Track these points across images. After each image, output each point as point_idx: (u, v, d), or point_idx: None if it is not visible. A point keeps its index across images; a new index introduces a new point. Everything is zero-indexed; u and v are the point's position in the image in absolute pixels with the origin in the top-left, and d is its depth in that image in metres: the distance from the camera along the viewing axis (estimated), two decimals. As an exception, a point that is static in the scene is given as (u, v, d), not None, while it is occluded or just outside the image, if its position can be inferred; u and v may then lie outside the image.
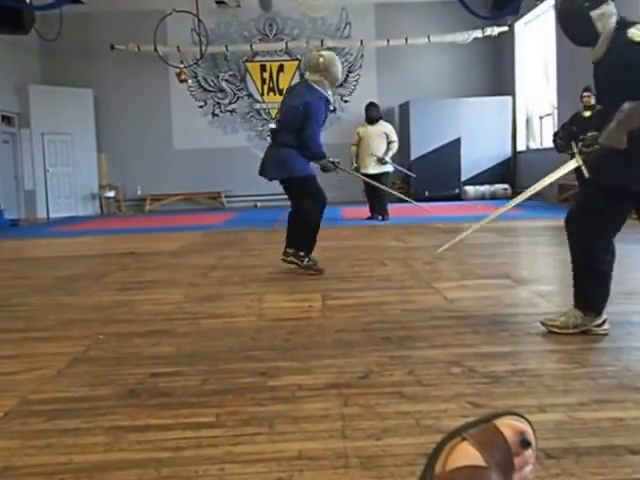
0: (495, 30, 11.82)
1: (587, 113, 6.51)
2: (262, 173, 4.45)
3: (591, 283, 2.55)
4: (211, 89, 13.11)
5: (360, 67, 13.02)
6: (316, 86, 4.25)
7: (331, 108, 4.39)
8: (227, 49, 12.45)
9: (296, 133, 4.17)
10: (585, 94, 6.52)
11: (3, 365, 2.41)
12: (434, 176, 11.66)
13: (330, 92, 4.34)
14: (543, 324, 2.60)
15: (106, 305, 3.50)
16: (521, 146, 12.27)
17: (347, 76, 13.13)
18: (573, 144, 4.38)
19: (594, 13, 2.50)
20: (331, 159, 4.44)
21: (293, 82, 13.15)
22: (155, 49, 11.05)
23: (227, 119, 13.09)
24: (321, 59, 4.30)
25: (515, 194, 11.87)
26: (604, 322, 2.53)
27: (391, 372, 2.13)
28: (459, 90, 12.62)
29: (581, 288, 2.56)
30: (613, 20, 2.47)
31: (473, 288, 3.59)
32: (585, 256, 2.57)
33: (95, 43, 12.41)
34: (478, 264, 4.50)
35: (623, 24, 2.46)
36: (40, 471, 1.51)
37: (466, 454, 0.67)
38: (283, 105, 4.41)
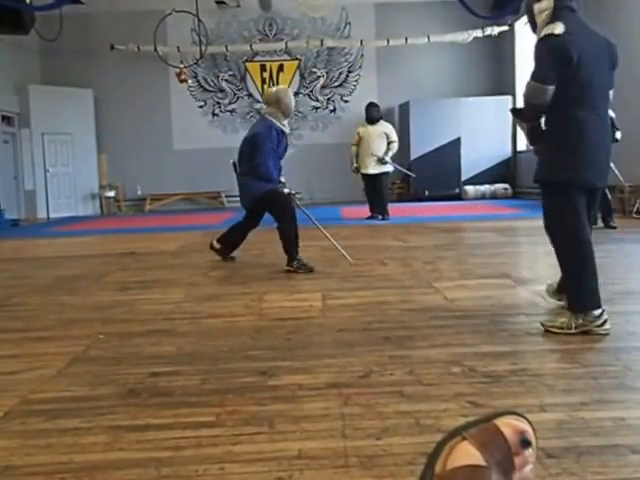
0: (495, 30, 11.82)
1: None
2: (241, 203, 4.88)
3: (584, 279, 2.52)
4: (211, 89, 13.11)
5: (360, 67, 13.02)
6: (269, 117, 4.63)
7: (286, 136, 4.70)
8: (227, 49, 12.45)
9: (248, 162, 4.55)
10: None
11: (3, 365, 2.41)
12: (434, 176, 11.66)
13: (285, 122, 4.68)
14: (542, 325, 2.58)
15: (106, 305, 3.50)
16: (521, 146, 12.27)
17: (347, 76, 13.13)
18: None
19: (536, 6, 2.62)
20: (286, 189, 4.65)
21: (293, 82, 13.17)
22: (155, 49, 11.05)
23: (227, 119, 13.09)
24: (273, 92, 4.73)
25: (515, 194, 11.91)
26: (605, 322, 2.51)
27: (391, 372, 2.13)
28: (459, 90, 12.62)
29: (576, 289, 2.54)
30: (546, 14, 2.56)
31: (473, 288, 3.59)
32: (572, 254, 2.54)
33: (95, 43, 12.41)
34: (478, 264, 4.50)
35: (555, 18, 2.54)
36: (40, 470, 1.50)
37: (466, 453, 0.67)
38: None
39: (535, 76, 2.46)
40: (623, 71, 9.22)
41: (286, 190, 4.61)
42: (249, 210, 4.84)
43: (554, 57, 2.42)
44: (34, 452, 1.61)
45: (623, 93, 7.84)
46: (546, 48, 2.46)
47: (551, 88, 2.43)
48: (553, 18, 2.54)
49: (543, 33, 2.51)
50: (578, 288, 2.53)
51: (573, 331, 2.47)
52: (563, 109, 2.50)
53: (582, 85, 2.48)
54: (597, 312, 2.49)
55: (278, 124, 4.60)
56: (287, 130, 4.71)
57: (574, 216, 2.53)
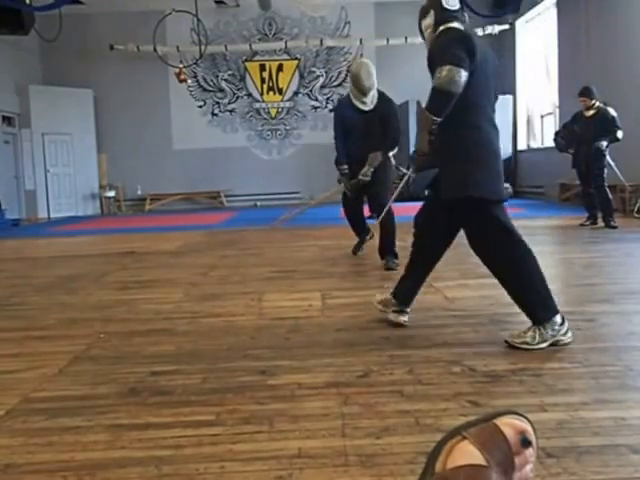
0: (496, 28, 11.82)
1: (588, 112, 6.49)
2: None
3: (539, 287, 2.44)
4: (210, 89, 13.11)
5: (360, 66, 13.01)
6: (349, 94, 4.60)
7: (362, 110, 4.50)
8: (226, 49, 12.45)
9: None
10: (580, 99, 6.47)
11: (5, 364, 2.41)
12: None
13: (364, 99, 4.46)
14: (507, 342, 2.37)
15: (106, 304, 3.50)
16: (522, 145, 12.27)
17: (347, 75, 13.12)
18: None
19: (423, 23, 2.61)
20: (344, 169, 4.63)
21: (292, 82, 13.16)
22: (154, 49, 11.05)
23: (227, 119, 13.09)
24: (350, 70, 4.69)
25: (516, 193, 11.91)
26: (568, 330, 2.40)
27: (391, 371, 2.13)
28: (459, 89, 12.61)
29: (534, 299, 2.42)
30: (431, 29, 2.54)
31: (473, 287, 3.59)
32: (522, 265, 2.48)
33: (95, 43, 12.41)
34: (478, 263, 4.48)
35: (446, 21, 2.48)
36: (42, 469, 1.51)
37: (466, 453, 0.67)
38: None
39: (447, 59, 2.28)
40: (623, 71, 9.23)
41: (344, 169, 4.59)
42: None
43: (460, 43, 2.32)
44: (35, 450, 1.61)
45: (623, 93, 7.86)
46: (451, 36, 2.36)
47: (465, 74, 2.28)
48: (444, 21, 2.46)
49: (441, 28, 2.43)
50: (538, 298, 2.41)
51: (543, 345, 2.32)
52: (466, 115, 2.40)
53: (478, 90, 2.40)
54: (558, 319, 2.38)
55: (349, 99, 4.54)
56: (363, 107, 4.46)
57: (509, 229, 2.50)
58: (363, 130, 4.49)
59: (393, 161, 4.67)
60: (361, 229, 5.03)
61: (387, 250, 4.45)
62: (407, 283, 2.80)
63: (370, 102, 4.43)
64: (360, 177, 4.52)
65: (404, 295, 2.77)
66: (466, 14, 2.60)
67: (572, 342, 2.39)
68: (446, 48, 2.32)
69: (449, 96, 2.29)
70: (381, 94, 4.50)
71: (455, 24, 2.42)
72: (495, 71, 2.53)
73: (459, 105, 2.34)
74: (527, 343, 2.34)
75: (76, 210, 12.50)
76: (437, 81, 2.31)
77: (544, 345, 2.32)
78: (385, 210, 4.19)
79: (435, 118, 2.34)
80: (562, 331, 2.37)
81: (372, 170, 4.49)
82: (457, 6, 2.50)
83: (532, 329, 2.37)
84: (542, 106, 11.44)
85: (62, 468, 1.50)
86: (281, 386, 2.02)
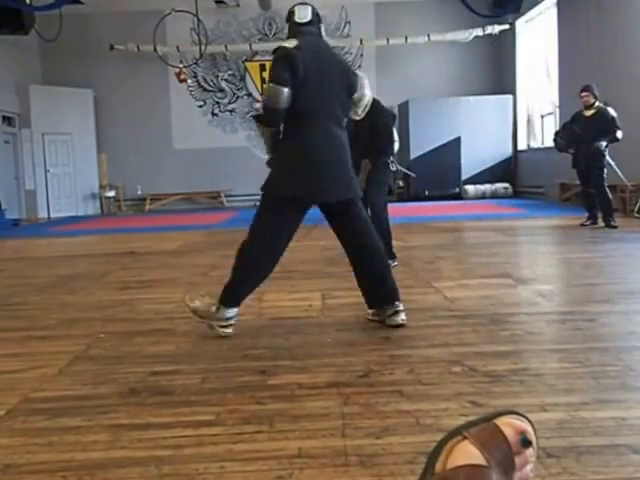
0: (496, 28, 11.82)
1: (588, 112, 6.50)
2: None
3: (247, 282, 2.70)
4: (210, 89, 13.11)
5: (360, 66, 13.01)
6: None
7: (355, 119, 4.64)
8: (226, 49, 12.45)
9: None
10: (583, 94, 6.50)
11: (5, 363, 2.41)
12: (434, 175, 11.66)
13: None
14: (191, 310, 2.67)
15: (107, 304, 3.51)
16: (522, 145, 12.27)
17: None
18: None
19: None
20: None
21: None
22: (155, 49, 11.05)
23: (227, 119, 13.09)
24: None
25: (516, 193, 11.91)
26: (230, 325, 2.64)
27: (391, 371, 2.13)
28: (459, 89, 12.61)
29: (236, 286, 2.66)
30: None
31: (473, 287, 3.59)
32: (251, 258, 2.71)
33: (95, 43, 12.41)
34: (479, 263, 4.50)
35: (290, 37, 2.80)
36: (42, 469, 1.51)
37: (467, 453, 0.67)
38: None
39: (271, 79, 2.62)
40: (624, 71, 9.24)
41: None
42: None
43: (283, 62, 2.60)
44: (36, 450, 1.61)
45: (623, 93, 7.85)
46: (277, 56, 2.65)
47: (286, 90, 2.56)
48: (293, 35, 2.78)
49: (275, 46, 2.75)
50: (239, 286, 2.67)
51: (198, 319, 2.67)
52: (292, 122, 2.65)
53: (307, 101, 2.62)
54: (232, 312, 2.65)
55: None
56: (355, 116, 4.58)
57: (283, 225, 2.66)
58: (354, 139, 4.63)
59: (393, 166, 4.62)
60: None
61: None
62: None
63: (362, 112, 4.53)
64: None
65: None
66: (322, 25, 2.84)
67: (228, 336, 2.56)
68: (273, 66, 2.64)
69: (273, 110, 2.60)
70: (374, 103, 4.51)
71: (292, 42, 2.67)
72: (342, 83, 2.74)
73: (289, 115, 2.63)
74: (193, 309, 2.68)
75: (76, 210, 12.50)
76: (264, 97, 2.67)
77: (198, 319, 2.67)
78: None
79: (265, 130, 2.70)
80: (222, 323, 2.64)
81: (364, 178, 4.51)
82: (307, 18, 2.78)
83: (209, 302, 2.67)
84: (542, 106, 11.44)
85: (62, 468, 1.50)
86: (281, 386, 2.02)
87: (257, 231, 2.69)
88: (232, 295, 2.67)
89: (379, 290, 2.76)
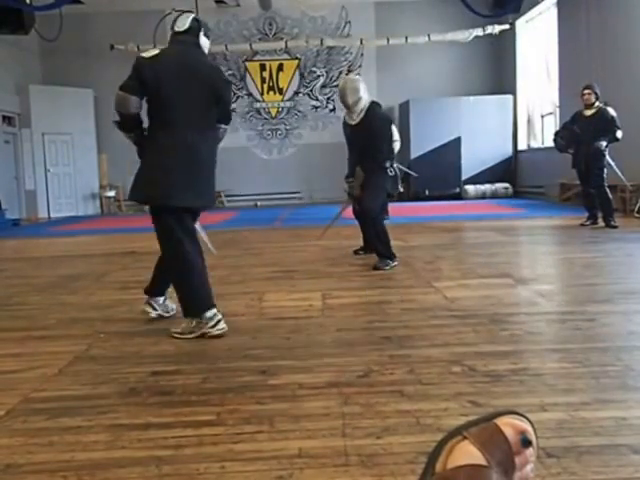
0: (496, 28, 11.81)
1: (588, 112, 6.50)
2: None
3: (192, 287, 2.72)
4: (211, 88, 13.11)
5: (360, 66, 13.01)
6: None
7: (352, 125, 4.60)
8: (227, 48, 12.44)
9: None
10: (585, 92, 6.51)
11: (5, 363, 2.42)
12: (434, 175, 11.65)
13: (347, 115, 4.64)
14: (171, 334, 2.70)
15: (107, 304, 3.51)
16: (522, 145, 12.26)
17: (347, 75, 13.12)
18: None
19: None
20: (348, 180, 4.78)
21: (293, 81, 13.15)
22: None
23: (227, 118, 13.09)
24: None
25: (516, 193, 11.91)
26: (219, 322, 2.68)
27: (391, 371, 2.13)
28: (460, 89, 12.61)
29: (187, 296, 2.72)
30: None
31: (474, 287, 3.59)
32: (178, 266, 2.75)
33: (95, 43, 12.41)
34: (479, 263, 4.50)
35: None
36: (42, 469, 1.51)
37: (467, 453, 0.67)
38: None
39: (120, 86, 2.69)
40: (624, 71, 9.22)
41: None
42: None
43: (134, 71, 2.70)
44: (36, 450, 1.61)
45: (624, 93, 7.85)
46: (133, 65, 2.75)
47: (133, 98, 2.66)
48: (169, 43, 2.92)
49: None
50: (189, 295, 2.72)
51: (191, 336, 2.67)
52: (150, 130, 2.77)
53: (163, 110, 2.72)
54: (210, 314, 2.68)
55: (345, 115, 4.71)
56: (351, 121, 4.57)
57: (170, 232, 2.73)
58: (352, 144, 4.68)
59: (392, 171, 4.54)
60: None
61: (375, 252, 4.50)
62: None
63: (357, 116, 4.50)
64: (347, 191, 4.72)
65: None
66: (202, 34, 2.90)
67: (223, 335, 2.64)
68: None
69: (122, 116, 2.72)
70: (369, 108, 4.48)
71: (152, 52, 2.76)
72: (205, 88, 2.77)
73: (149, 123, 2.77)
74: (179, 333, 2.70)
75: (76, 210, 12.50)
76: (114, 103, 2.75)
77: (191, 336, 2.67)
78: (335, 216, 4.38)
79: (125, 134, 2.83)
80: (211, 323, 2.67)
81: (358, 184, 4.51)
82: (184, 27, 2.87)
83: (185, 321, 2.72)
84: (542, 106, 11.43)
85: (62, 468, 1.50)
86: (282, 386, 2.02)
87: (160, 244, 2.81)
88: (193, 304, 2.72)
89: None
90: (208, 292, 2.74)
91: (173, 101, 2.71)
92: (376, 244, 4.46)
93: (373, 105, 4.52)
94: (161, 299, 3.04)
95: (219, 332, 2.67)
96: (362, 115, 4.47)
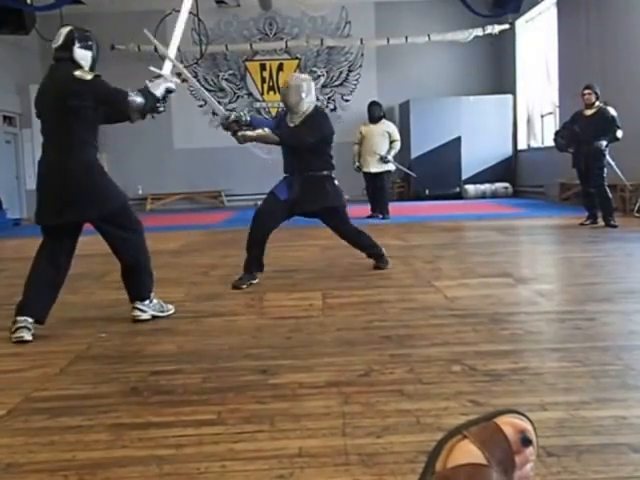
0: (496, 28, 11.81)
1: (588, 112, 6.50)
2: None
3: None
4: (211, 88, 13.10)
5: (360, 66, 13.01)
6: None
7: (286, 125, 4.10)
8: (227, 48, 12.44)
9: None
10: (585, 92, 6.51)
11: (6, 363, 2.42)
12: (434, 175, 11.65)
13: (287, 115, 4.14)
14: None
15: (107, 304, 3.51)
16: (522, 145, 12.26)
17: (347, 75, 13.12)
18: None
19: None
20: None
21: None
22: (155, 49, 11.04)
23: (228, 118, 13.09)
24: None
25: (516, 193, 11.90)
26: (17, 330, 2.75)
27: (391, 370, 2.13)
28: (460, 88, 12.60)
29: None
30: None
31: (474, 287, 3.60)
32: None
33: (96, 42, 12.40)
34: (479, 263, 4.51)
35: None
36: (43, 468, 1.51)
37: (467, 452, 0.67)
38: None
39: None
40: (624, 71, 9.22)
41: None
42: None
43: None
44: (37, 449, 1.61)
45: (623, 92, 7.85)
46: None
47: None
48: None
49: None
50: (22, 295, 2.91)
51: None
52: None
53: (42, 126, 2.88)
54: (19, 319, 2.79)
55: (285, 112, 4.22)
56: (289, 123, 4.08)
57: (40, 248, 2.95)
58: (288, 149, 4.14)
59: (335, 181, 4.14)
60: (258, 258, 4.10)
61: (367, 254, 4.33)
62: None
63: (298, 118, 4.01)
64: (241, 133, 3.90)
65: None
66: (77, 47, 2.88)
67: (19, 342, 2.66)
68: None
69: None
70: (311, 114, 4.00)
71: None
72: (59, 99, 2.80)
73: None
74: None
75: (77, 210, 12.49)
76: None
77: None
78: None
79: None
80: (13, 328, 2.78)
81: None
82: (58, 43, 2.89)
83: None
84: (542, 106, 11.43)
85: (63, 467, 1.51)
86: (282, 385, 2.03)
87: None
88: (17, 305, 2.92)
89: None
90: (29, 302, 2.87)
91: (42, 123, 2.88)
92: (364, 247, 4.29)
93: (317, 110, 4.09)
94: (146, 300, 3.04)
95: (15, 339, 2.72)
96: (302, 118, 3.99)
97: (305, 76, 4.42)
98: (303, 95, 4.00)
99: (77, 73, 2.82)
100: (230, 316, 3.10)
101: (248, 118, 3.97)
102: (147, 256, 3.08)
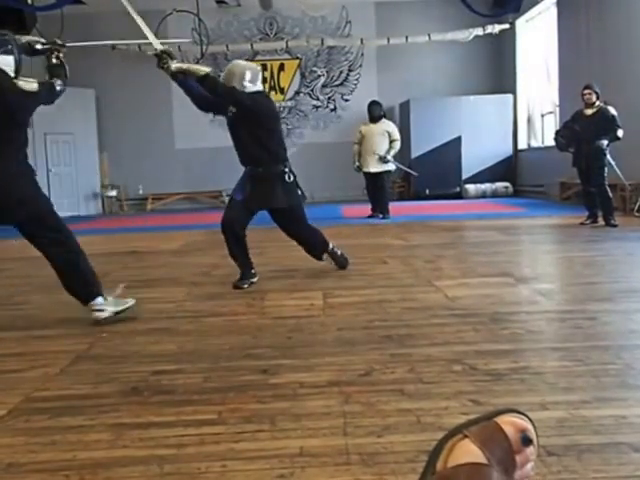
0: (496, 28, 11.80)
1: (589, 111, 6.50)
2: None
3: None
4: (212, 88, 13.11)
5: (360, 66, 13.01)
6: None
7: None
8: (228, 48, 12.44)
9: None
10: (586, 91, 6.51)
11: (7, 363, 2.42)
12: (435, 174, 11.65)
13: None
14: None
15: (108, 304, 3.50)
16: (522, 144, 12.25)
17: (348, 75, 13.12)
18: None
19: None
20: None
21: (294, 82, 13.15)
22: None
23: (228, 118, 13.10)
24: None
25: (516, 192, 11.90)
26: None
27: (392, 370, 2.13)
28: (460, 88, 12.60)
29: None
30: None
31: (474, 286, 3.60)
32: None
33: (96, 43, 12.40)
34: (479, 262, 4.51)
35: None
36: (44, 468, 1.51)
37: (467, 451, 0.67)
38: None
39: None
40: (624, 70, 9.22)
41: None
42: None
43: None
44: (38, 449, 1.61)
45: (624, 92, 7.85)
46: None
47: None
48: None
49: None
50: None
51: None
52: None
53: None
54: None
55: None
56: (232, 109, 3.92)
57: None
58: (233, 137, 4.10)
59: (290, 177, 4.01)
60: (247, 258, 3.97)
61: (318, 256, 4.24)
62: None
63: (227, 102, 3.86)
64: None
65: None
66: (12, 57, 2.86)
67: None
68: None
69: None
70: (252, 95, 3.82)
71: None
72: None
73: None
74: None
75: (78, 210, 12.50)
76: None
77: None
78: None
79: None
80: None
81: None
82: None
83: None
84: (542, 105, 11.43)
85: (64, 467, 1.51)
86: (283, 385, 2.03)
87: None
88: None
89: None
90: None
91: None
92: (314, 252, 4.19)
93: (257, 94, 3.84)
94: (99, 298, 3.02)
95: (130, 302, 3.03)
96: (232, 101, 3.80)
97: (245, 63, 4.11)
98: (235, 82, 3.79)
99: (19, 83, 2.86)
100: (231, 316, 3.10)
101: (183, 66, 3.86)
102: (80, 254, 3.12)
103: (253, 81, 3.88)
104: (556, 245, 5.74)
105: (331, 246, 4.27)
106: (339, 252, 4.30)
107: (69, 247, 3.06)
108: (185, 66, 3.88)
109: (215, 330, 2.81)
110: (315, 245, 4.25)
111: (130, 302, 3.12)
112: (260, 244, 5.97)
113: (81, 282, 3.04)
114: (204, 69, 3.78)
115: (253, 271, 3.96)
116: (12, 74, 2.85)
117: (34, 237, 3.02)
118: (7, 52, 2.83)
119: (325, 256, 4.28)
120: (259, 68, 4.16)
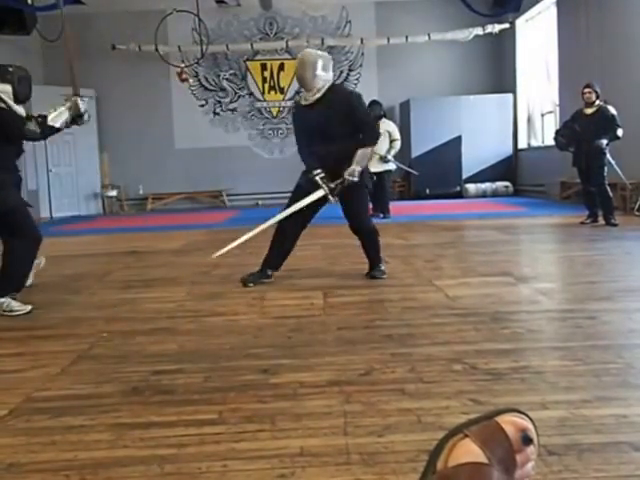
0: (496, 27, 11.79)
1: (589, 110, 6.50)
2: None
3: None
4: (212, 88, 13.11)
5: (361, 65, 13.01)
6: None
7: (310, 107, 3.94)
8: (228, 48, 12.44)
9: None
10: (586, 90, 6.51)
11: (8, 363, 2.42)
12: (435, 174, 11.65)
13: (306, 94, 3.96)
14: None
15: (109, 303, 3.51)
16: (522, 144, 12.25)
17: (348, 75, 13.11)
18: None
19: None
20: (319, 173, 3.88)
21: (294, 81, 13.14)
22: (156, 49, 11.05)
23: (228, 118, 13.08)
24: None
25: (516, 192, 11.90)
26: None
27: (393, 369, 2.13)
28: (460, 88, 12.60)
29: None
30: None
31: (474, 285, 3.60)
32: None
33: (96, 43, 12.40)
34: (479, 262, 4.51)
35: None
36: (45, 467, 1.52)
37: (468, 451, 0.67)
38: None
39: None
40: (624, 70, 9.22)
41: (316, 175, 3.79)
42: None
43: None
44: (38, 449, 1.62)
45: (624, 91, 7.85)
46: None
47: None
48: None
49: None
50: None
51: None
52: None
53: None
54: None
55: (299, 99, 4.04)
56: (304, 102, 3.94)
57: None
58: (317, 127, 3.84)
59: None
60: (282, 256, 4.00)
61: (370, 261, 4.05)
62: None
63: (312, 96, 3.82)
64: (347, 177, 3.77)
65: None
66: (9, 86, 3.33)
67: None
68: None
69: None
70: (332, 86, 3.88)
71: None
72: None
73: None
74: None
75: (78, 210, 12.50)
76: None
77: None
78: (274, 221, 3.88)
79: None
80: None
81: (360, 170, 3.81)
82: None
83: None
84: (542, 105, 11.42)
85: (65, 467, 1.51)
86: (283, 385, 2.03)
87: None
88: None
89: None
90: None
91: None
92: (370, 252, 4.06)
93: (337, 85, 3.88)
94: (2, 299, 3.33)
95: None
96: (319, 95, 3.79)
97: (319, 52, 4.13)
98: (318, 71, 3.80)
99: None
100: (231, 315, 3.10)
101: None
102: (22, 264, 3.40)
103: (323, 68, 3.86)
104: (556, 244, 5.74)
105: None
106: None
107: (17, 253, 3.37)
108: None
109: (215, 330, 2.81)
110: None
111: (27, 308, 3.35)
112: (260, 244, 5.96)
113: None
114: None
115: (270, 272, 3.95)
116: (10, 101, 3.25)
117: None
118: (5, 81, 3.29)
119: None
120: (330, 56, 4.16)
